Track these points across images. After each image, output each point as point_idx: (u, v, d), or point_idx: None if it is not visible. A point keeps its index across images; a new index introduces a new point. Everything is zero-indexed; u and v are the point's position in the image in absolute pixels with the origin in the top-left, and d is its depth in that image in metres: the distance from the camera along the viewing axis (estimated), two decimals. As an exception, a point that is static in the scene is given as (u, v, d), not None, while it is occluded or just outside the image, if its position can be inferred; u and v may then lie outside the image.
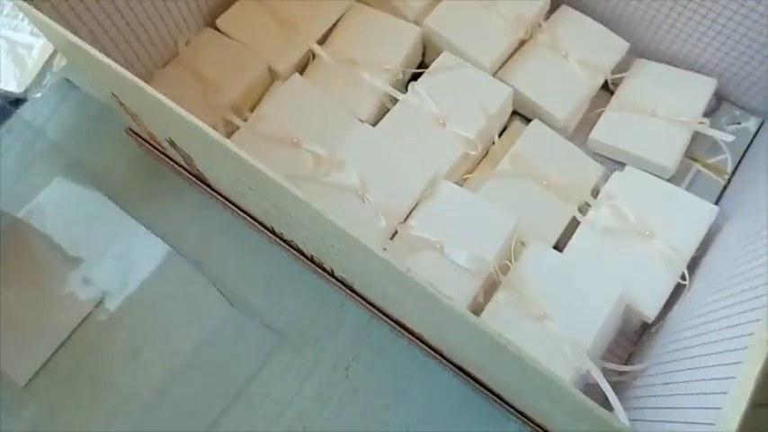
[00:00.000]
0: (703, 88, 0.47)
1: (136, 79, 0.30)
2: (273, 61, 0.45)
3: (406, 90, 0.46)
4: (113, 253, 0.47)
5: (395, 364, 0.43)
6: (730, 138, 0.45)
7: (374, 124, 0.45)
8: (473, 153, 0.43)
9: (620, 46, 0.48)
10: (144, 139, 0.47)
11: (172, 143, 0.40)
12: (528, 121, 0.49)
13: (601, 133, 0.46)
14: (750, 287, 0.29)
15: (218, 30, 0.47)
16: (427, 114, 0.44)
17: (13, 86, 0.41)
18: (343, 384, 0.43)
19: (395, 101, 0.46)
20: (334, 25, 0.48)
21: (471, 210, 0.40)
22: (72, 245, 0.48)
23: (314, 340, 0.44)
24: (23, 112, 0.48)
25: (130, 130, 0.48)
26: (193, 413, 0.43)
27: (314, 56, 0.47)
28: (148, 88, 0.30)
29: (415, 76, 0.47)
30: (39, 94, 0.41)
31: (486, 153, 0.46)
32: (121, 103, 0.39)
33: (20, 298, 0.47)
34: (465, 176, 0.45)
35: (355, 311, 0.44)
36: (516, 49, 0.48)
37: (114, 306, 0.46)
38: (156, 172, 0.49)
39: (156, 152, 0.47)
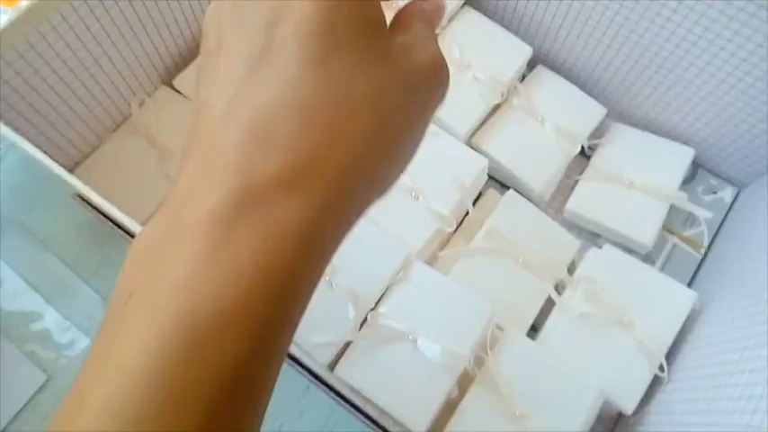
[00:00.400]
0: (681, 158, 0.46)
1: (62, 172, 0.27)
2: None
3: None
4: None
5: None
6: (709, 214, 0.44)
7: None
8: (448, 230, 0.41)
9: (597, 112, 0.47)
10: (93, 206, 0.44)
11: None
12: (502, 185, 0.47)
13: (576, 204, 0.45)
14: (750, 382, 0.28)
15: (175, 89, 0.43)
16: (401, 185, 0.42)
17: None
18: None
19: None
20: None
21: (446, 296, 0.38)
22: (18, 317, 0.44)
23: (277, 427, 0.41)
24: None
25: (78, 195, 0.44)
26: None
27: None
28: (77, 183, 0.27)
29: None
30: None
31: (461, 222, 0.44)
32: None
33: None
34: (438, 253, 0.43)
35: (321, 397, 0.42)
36: (492, 111, 0.46)
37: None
38: (109, 237, 0.46)
39: (108, 219, 0.44)
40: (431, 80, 0.19)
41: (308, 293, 0.17)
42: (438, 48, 0.19)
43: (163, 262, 0.16)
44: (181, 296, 0.15)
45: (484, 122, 0.46)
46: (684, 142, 0.46)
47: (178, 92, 0.43)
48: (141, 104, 0.42)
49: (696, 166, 0.48)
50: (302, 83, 0.16)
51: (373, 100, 0.17)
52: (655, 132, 0.47)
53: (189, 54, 0.44)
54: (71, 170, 0.41)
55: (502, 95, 0.45)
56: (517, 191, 0.45)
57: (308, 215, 0.16)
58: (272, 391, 0.17)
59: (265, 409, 0.17)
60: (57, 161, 0.39)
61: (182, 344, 0.15)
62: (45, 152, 0.37)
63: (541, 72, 0.48)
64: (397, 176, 0.20)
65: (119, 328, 0.16)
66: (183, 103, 0.43)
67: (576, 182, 0.46)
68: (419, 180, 0.42)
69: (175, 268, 0.15)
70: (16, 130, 0.34)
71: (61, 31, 0.33)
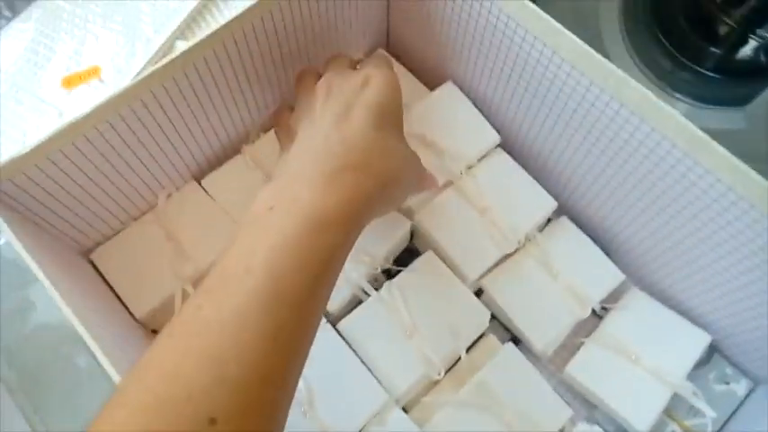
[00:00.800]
0: (695, 343, 0.44)
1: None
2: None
3: (383, 274, 0.44)
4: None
5: None
6: (713, 414, 0.42)
7: (342, 317, 0.43)
8: (435, 377, 0.41)
9: (614, 277, 0.46)
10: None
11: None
12: (505, 329, 0.46)
13: (577, 369, 0.43)
14: None
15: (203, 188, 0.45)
16: (396, 319, 0.42)
17: None
18: None
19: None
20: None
21: (416, 452, 0.37)
22: None
23: None
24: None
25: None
26: None
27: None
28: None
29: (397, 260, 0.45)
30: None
31: (453, 365, 0.44)
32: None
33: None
34: (422, 398, 0.42)
35: None
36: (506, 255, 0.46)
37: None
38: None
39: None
40: (421, 175, 0.39)
41: (360, 229, 0.32)
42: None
43: (294, 192, 0.30)
44: (306, 207, 0.29)
45: (497, 264, 0.46)
46: (702, 325, 0.44)
47: (205, 190, 0.45)
48: (168, 196, 0.44)
49: (713, 349, 0.46)
50: (366, 132, 0.33)
51: (401, 157, 0.35)
52: (674, 308, 0.45)
53: (223, 154, 0.46)
54: (90, 250, 0.43)
55: (518, 243, 0.45)
56: (519, 339, 0.44)
57: (368, 186, 0.32)
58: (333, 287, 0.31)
59: (329, 297, 0.31)
60: (76, 241, 0.41)
61: (307, 228, 0.29)
62: (64, 233, 0.40)
63: (564, 224, 0.47)
64: (395, 205, 0.40)
65: (268, 221, 0.29)
66: (208, 205, 0.44)
67: (582, 343, 0.44)
68: (417, 318, 0.42)
69: (303, 195, 0.30)
70: (35, 215, 0.36)
71: (96, 142, 0.35)
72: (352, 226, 0.31)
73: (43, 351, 0.47)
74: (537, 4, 0.36)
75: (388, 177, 0.33)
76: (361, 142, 0.32)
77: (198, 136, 0.42)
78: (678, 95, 0.88)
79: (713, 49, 0.91)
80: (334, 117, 0.33)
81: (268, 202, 0.30)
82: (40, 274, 0.31)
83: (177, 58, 0.35)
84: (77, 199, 0.38)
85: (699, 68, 0.90)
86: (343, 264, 0.31)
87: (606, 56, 0.92)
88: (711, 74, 0.90)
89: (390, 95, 0.35)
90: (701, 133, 0.33)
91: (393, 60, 0.52)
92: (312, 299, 0.28)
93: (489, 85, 0.46)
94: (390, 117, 0.35)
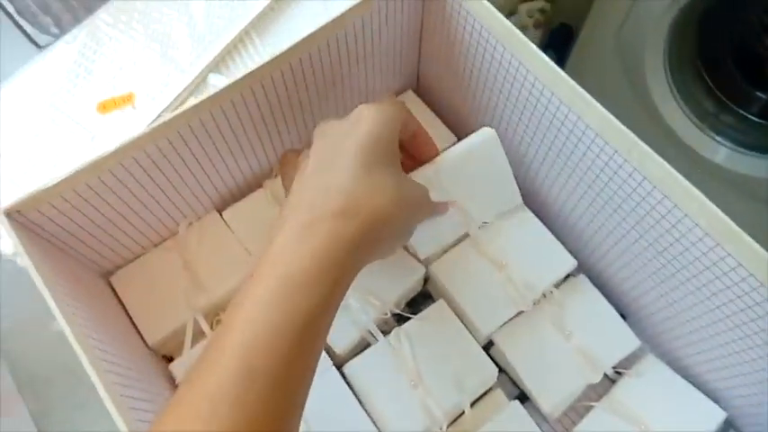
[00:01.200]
0: (709, 418, 0.42)
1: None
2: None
3: (393, 318, 0.44)
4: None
5: None
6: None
7: (349, 359, 0.43)
8: (436, 431, 0.40)
9: (630, 341, 0.45)
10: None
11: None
12: (513, 384, 0.45)
13: (583, 436, 0.42)
14: None
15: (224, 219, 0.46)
16: (402, 367, 0.42)
17: (4, 247, 0.41)
18: None
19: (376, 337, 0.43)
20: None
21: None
22: None
23: None
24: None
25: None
26: None
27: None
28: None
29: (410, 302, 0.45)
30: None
31: (456, 418, 0.43)
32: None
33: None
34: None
35: None
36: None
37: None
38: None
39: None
40: (421, 205, 0.36)
41: (348, 278, 0.31)
42: (427, 190, 0.37)
43: (271, 254, 0.29)
44: (279, 268, 0.28)
45: (511, 319, 0.45)
46: (719, 400, 0.43)
47: (225, 222, 0.46)
48: (189, 225, 0.45)
49: (728, 425, 0.44)
50: (353, 173, 0.31)
51: (392, 192, 0.32)
52: (690, 379, 0.44)
53: (246, 187, 0.47)
54: (110, 273, 0.44)
55: (534, 303, 0.44)
56: (527, 396, 0.44)
57: (350, 232, 0.30)
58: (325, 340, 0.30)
59: (321, 351, 0.30)
60: (96, 264, 0.42)
61: (279, 294, 0.28)
62: (85, 256, 0.41)
63: (582, 284, 0.46)
64: (396, 243, 0.37)
65: (247, 290, 0.29)
66: (227, 236, 0.45)
67: (591, 408, 0.43)
68: (423, 367, 0.42)
69: (277, 256, 0.29)
70: (58, 240, 0.37)
71: (121, 176, 0.36)
72: (332, 279, 0.29)
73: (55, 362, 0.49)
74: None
75: (376, 217, 0.31)
76: (347, 185, 0.31)
77: (222, 171, 0.43)
78: (719, 139, 0.86)
79: (760, 94, 0.89)
80: (321, 165, 0.32)
81: (253, 269, 0.29)
82: (52, 304, 0.31)
83: (209, 98, 0.36)
84: (100, 227, 0.39)
85: (744, 112, 0.88)
86: (331, 320, 0.30)
87: (649, 94, 0.90)
88: (756, 119, 0.87)
89: (382, 128, 0.33)
90: (724, 216, 0.32)
91: (419, 102, 0.52)
92: (290, 369, 0.27)
93: (514, 139, 0.45)
94: (382, 151, 0.33)
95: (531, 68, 0.38)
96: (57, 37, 0.55)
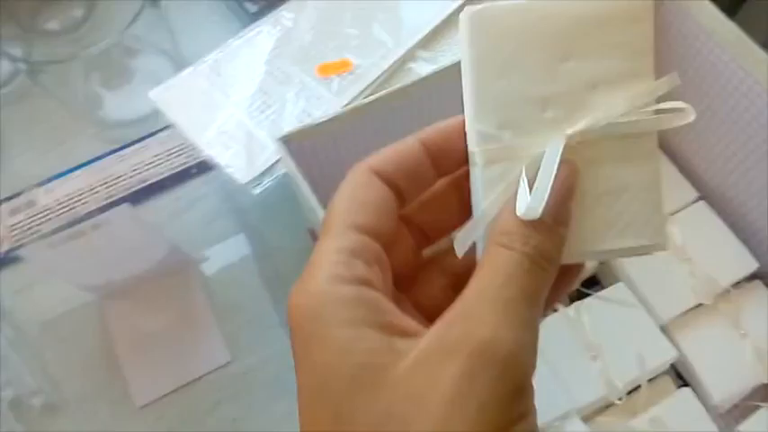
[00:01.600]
0: None
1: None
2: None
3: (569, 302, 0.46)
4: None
5: None
6: None
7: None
8: (616, 401, 0.43)
9: (807, 352, 0.45)
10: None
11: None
12: (678, 376, 0.47)
13: None
14: None
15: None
16: (580, 339, 0.44)
17: (239, 176, 0.46)
18: None
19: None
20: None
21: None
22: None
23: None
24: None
25: (313, 231, 0.52)
26: None
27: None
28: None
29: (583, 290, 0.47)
30: (257, 191, 0.46)
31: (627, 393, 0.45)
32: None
33: (171, 327, 0.52)
34: (596, 417, 0.44)
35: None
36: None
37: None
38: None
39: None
40: None
41: None
42: None
43: None
44: None
45: (686, 311, 0.47)
46: None
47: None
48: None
49: None
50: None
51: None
52: None
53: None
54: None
55: (713, 299, 0.46)
56: (694, 389, 0.45)
57: None
58: None
59: None
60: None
61: None
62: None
63: (758, 288, 0.48)
64: None
65: None
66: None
67: (758, 408, 0.45)
68: (602, 343, 0.44)
69: None
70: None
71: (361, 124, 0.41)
72: None
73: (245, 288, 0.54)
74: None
75: None
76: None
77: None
78: None
79: None
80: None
81: None
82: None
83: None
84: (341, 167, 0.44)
85: None
86: None
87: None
88: None
89: None
90: None
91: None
92: None
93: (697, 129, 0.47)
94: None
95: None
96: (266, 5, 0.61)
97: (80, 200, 0.56)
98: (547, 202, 0.19)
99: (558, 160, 0.20)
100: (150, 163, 0.58)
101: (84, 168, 0.59)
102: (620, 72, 0.21)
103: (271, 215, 0.56)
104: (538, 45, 0.21)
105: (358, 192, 0.21)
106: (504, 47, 0.21)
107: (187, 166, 0.58)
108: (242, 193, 0.57)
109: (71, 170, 0.59)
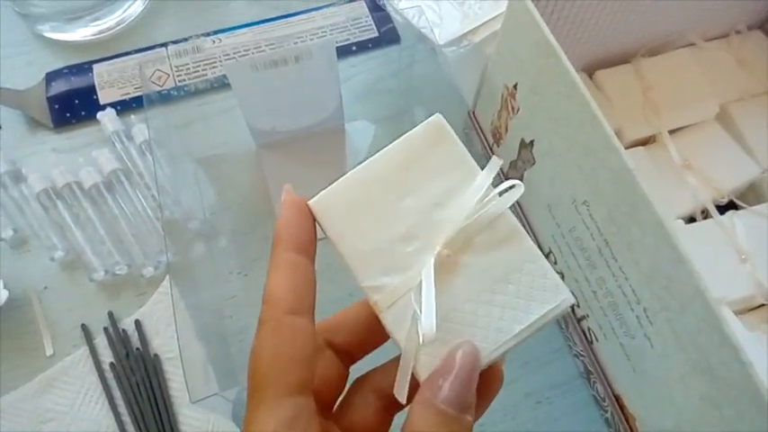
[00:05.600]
0: None
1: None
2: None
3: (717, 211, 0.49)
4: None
5: None
6: None
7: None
8: (762, 302, 0.45)
9: None
10: (477, 129, 0.54)
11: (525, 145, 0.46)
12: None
13: None
14: None
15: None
16: (731, 244, 0.47)
17: (435, 36, 0.48)
18: None
19: (705, 216, 0.48)
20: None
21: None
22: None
23: None
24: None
25: (473, 113, 0.54)
26: None
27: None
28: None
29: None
30: (450, 53, 0.48)
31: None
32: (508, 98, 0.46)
33: (322, 183, 0.55)
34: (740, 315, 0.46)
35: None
36: None
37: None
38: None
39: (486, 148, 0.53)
40: None
41: None
42: None
43: None
44: None
45: None
46: None
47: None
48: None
49: None
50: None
51: None
52: None
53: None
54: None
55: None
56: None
57: None
58: None
59: None
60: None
61: None
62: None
63: None
64: None
65: None
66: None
67: None
68: (753, 250, 0.46)
69: None
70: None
71: None
72: None
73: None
74: None
75: None
76: None
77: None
78: None
79: None
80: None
81: None
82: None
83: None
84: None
85: None
86: None
87: None
88: None
89: None
90: None
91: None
92: None
93: None
94: None
95: None
96: None
97: (246, 54, 0.59)
98: (449, 393, 0.21)
99: (432, 277, 0.23)
100: (314, 34, 0.60)
101: (251, 27, 0.61)
102: (451, 184, 0.24)
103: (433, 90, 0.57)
104: (374, 201, 0.25)
105: (283, 346, 0.21)
106: (349, 216, 0.24)
107: (348, 43, 0.60)
108: (393, 77, 0.59)
109: (238, 26, 0.61)
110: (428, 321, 0.22)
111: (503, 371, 0.25)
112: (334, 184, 0.25)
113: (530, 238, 0.24)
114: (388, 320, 0.24)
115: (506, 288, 0.24)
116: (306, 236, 0.24)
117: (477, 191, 0.24)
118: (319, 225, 0.25)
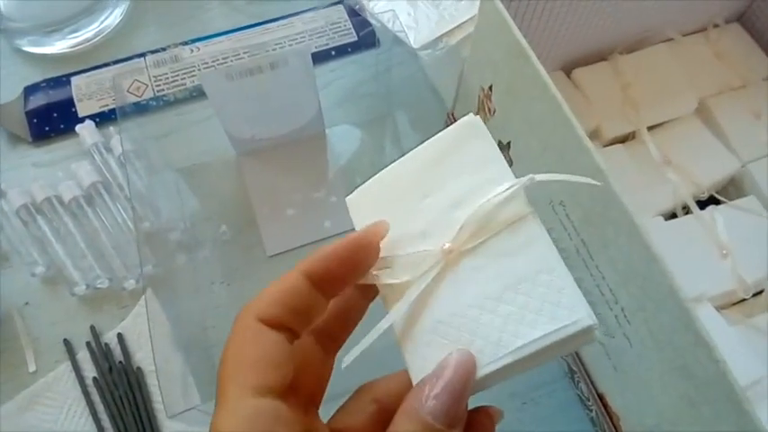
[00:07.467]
0: None
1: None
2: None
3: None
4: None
5: None
6: None
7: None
8: (743, 297, 0.45)
9: None
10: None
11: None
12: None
13: None
14: None
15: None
16: (712, 240, 0.46)
17: (410, 39, 0.48)
18: None
19: (686, 212, 0.48)
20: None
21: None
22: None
23: None
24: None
25: (452, 114, 0.54)
26: None
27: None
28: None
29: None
30: (426, 56, 0.48)
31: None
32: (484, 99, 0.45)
33: (302, 189, 0.54)
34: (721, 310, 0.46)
35: None
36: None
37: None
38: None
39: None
40: None
41: None
42: None
43: None
44: None
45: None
46: None
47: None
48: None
49: None
50: None
51: None
52: None
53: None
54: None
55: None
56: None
57: None
58: None
59: None
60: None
61: None
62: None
63: None
64: None
65: None
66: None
67: None
68: (734, 245, 0.46)
69: None
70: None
71: None
72: None
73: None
74: None
75: None
76: None
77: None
78: None
79: None
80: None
81: None
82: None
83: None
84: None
85: None
86: None
87: None
88: None
89: None
90: None
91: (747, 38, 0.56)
92: None
93: None
94: None
95: None
96: None
97: (224, 62, 0.58)
98: (437, 405, 0.20)
99: (428, 275, 0.22)
100: (293, 40, 0.60)
101: (229, 35, 0.61)
102: (478, 183, 0.23)
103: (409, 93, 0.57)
104: (400, 197, 0.25)
105: (247, 349, 0.21)
106: (376, 212, 0.25)
107: (327, 47, 0.60)
108: (372, 80, 0.59)
109: (217, 34, 0.61)
110: (396, 318, 0.22)
111: (501, 411, 0.23)
112: (369, 180, 0.26)
113: (555, 248, 0.22)
114: (393, 317, 0.23)
115: (515, 298, 0.21)
116: (323, 267, 0.22)
117: (499, 191, 0.22)
118: (351, 213, 0.26)
